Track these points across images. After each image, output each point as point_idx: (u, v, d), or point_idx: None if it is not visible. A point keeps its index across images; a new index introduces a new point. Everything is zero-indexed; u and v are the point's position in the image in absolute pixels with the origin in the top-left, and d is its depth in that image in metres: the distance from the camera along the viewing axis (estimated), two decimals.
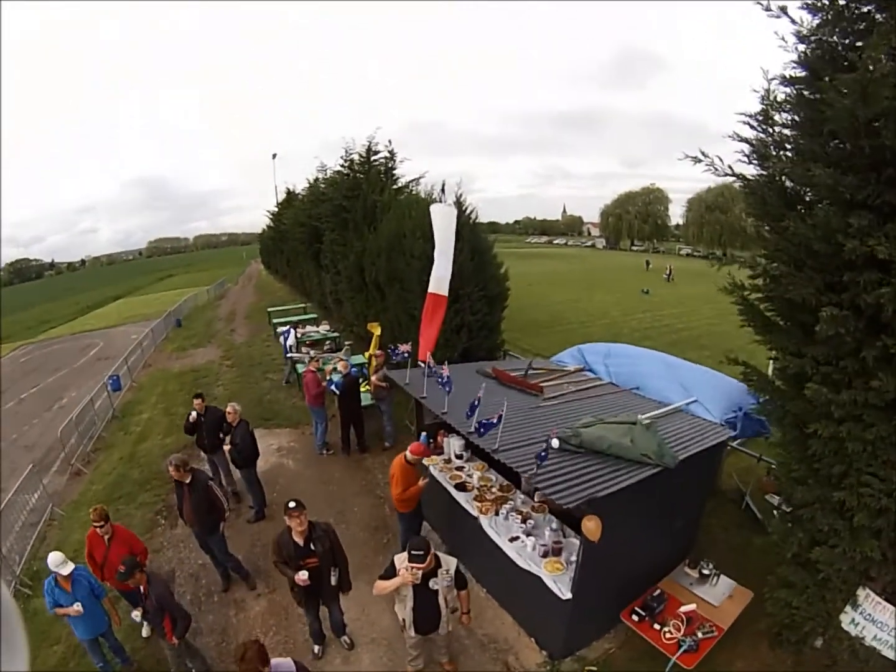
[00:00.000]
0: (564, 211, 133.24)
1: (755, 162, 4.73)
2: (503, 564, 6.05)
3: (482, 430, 5.55)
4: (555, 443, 5.34)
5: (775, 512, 6.75)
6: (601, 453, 5.38)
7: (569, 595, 5.29)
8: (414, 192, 14.98)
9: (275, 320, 20.76)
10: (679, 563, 6.34)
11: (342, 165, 16.82)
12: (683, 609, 5.40)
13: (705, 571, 6.08)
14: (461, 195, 11.30)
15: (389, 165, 16.24)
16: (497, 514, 6.39)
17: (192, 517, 6.66)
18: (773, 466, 7.46)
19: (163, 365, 19.87)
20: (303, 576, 5.13)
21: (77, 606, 5.39)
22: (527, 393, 7.31)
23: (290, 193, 30.48)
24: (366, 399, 11.06)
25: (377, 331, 11.78)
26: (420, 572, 4.64)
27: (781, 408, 4.96)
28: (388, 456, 10.35)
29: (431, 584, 4.79)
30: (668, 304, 29.48)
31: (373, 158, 16.20)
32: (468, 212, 11.51)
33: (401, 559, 4.88)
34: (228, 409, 8.33)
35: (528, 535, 6.03)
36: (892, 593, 4.73)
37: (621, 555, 5.48)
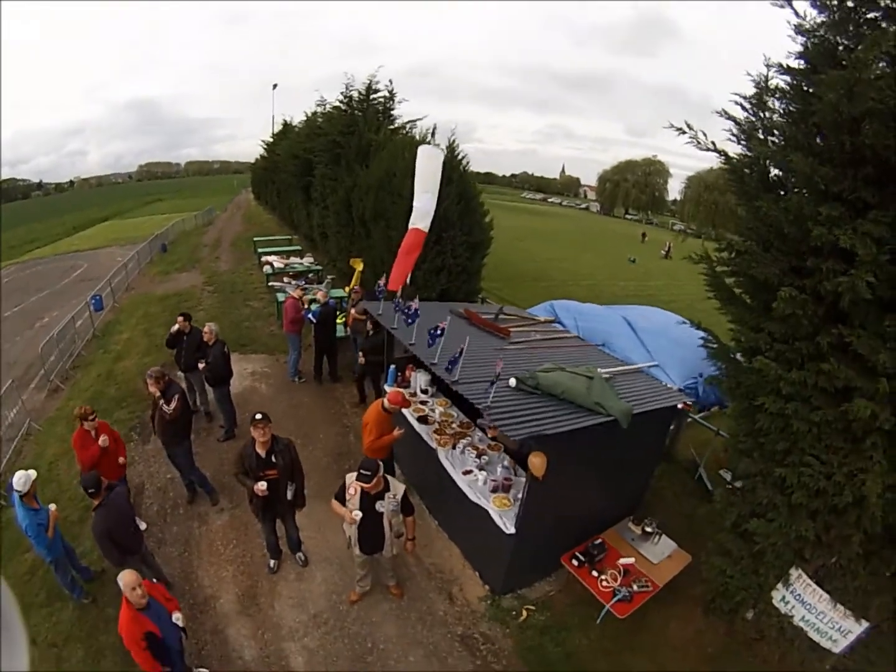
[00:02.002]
0: (563, 171, 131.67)
1: (743, 142, 4.85)
2: (455, 497, 6.37)
3: (450, 366, 5.70)
4: (511, 382, 5.56)
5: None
6: (556, 398, 5.55)
7: (513, 530, 5.58)
8: (409, 135, 14.87)
9: (260, 249, 20.79)
10: (624, 518, 6.64)
11: (340, 101, 16.63)
12: (622, 561, 5.77)
13: (648, 529, 6.37)
14: (454, 140, 11.51)
15: (388, 105, 16.11)
16: (454, 447, 6.71)
17: (161, 429, 6.88)
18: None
19: (146, 289, 19.76)
20: (262, 486, 5.39)
21: (52, 507, 5.66)
22: (494, 335, 7.50)
23: (286, 125, 29.90)
24: (340, 331, 11.24)
25: (359, 266, 11.96)
26: (359, 516, 4.97)
27: (734, 378, 5.17)
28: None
29: (378, 506, 5.06)
30: (654, 275, 29.63)
31: (372, 97, 16.04)
32: (460, 157, 11.66)
33: (351, 478, 5.16)
34: (205, 328, 8.48)
35: (481, 469, 6.32)
36: (823, 577, 4.94)
37: (566, 498, 5.72)
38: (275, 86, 50.49)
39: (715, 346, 5.60)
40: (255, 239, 23.70)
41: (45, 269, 29.24)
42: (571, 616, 5.98)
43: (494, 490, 6.04)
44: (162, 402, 6.54)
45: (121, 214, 64.43)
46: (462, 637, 5.76)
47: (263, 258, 18.60)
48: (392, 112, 16.15)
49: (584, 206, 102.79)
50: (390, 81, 15.93)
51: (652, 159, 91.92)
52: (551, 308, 9.44)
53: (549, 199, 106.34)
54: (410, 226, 8.34)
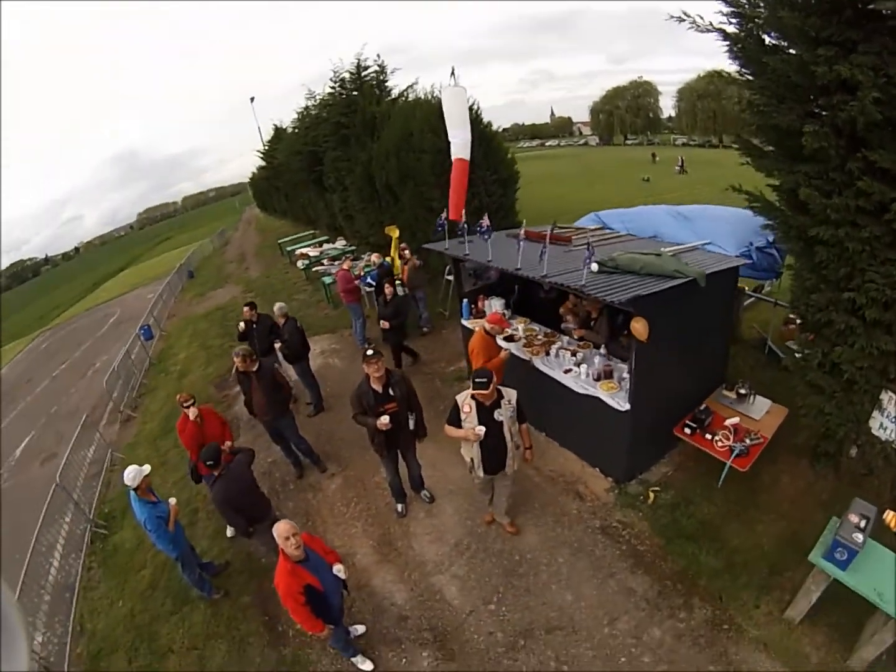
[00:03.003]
0: (552, 113, 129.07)
1: (733, 21, 4.98)
2: (561, 400, 6.54)
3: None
4: (594, 266, 5.67)
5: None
6: (636, 274, 5.68)
7: (627, 406, 5.75)
8: (410, 99, 14.82)
9: (288, 249, 21.03)
10: (716, 388, 6.78)
11: (332, 87, 16.75)
12: (729, 421, 5.93)
13: (742, 391, 6.48)
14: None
15: (381, 78, 16.12)
16: (547, 354, 6.85)
17: (262, 403, 6.98)
18: (791, 315, 8.17)
19: (186, 312, 20.06)
20: (385, 419, 5.46)
21: (172, 501, 5.71)
22: (556, 244, 7.51)
23: (278, 129, 29.99)
24: (399, 292, 11.08)
25: (395, 233, 11.99)
26: (483, 431, 4.92)
27: (785, 223, 5.30)
28: (429, 340, 11.03)
29: (496, 415, 5.03)
30: (668, 189, 28.93)
31: (363, 74, 16.04)
32: (471, 104, 11.52)
33: (462, 397, 5.17)
34: (274, 308, 8.71)
35: (579, 365, 6.45)
36: None
37: (667, 368, 5.86)
38: (252, 99, 50.42)
39: (759, 203, 5.69)
40: (280, 241, 23.93)
41: (79, 326, 29.73)
42: (692, 490, 6.13)
43: (598, 378, 6.19)
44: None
45: (135, 261, 65.02)
46: (602, 528, 5.92)
47: (297, 251, 18.84)
48: (386, 83, 16.16)
49: (581, 141, 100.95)
50: (378, 55, 15.99)
51: (639, 81, 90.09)
52: (596, 217, 9.44)
53: (546, 143, 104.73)
54: (453, 157, 8.46)
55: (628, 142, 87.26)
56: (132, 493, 5.35)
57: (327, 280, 14.17)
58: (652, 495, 6.17)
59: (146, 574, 6.67)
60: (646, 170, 38.21)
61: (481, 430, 4.93)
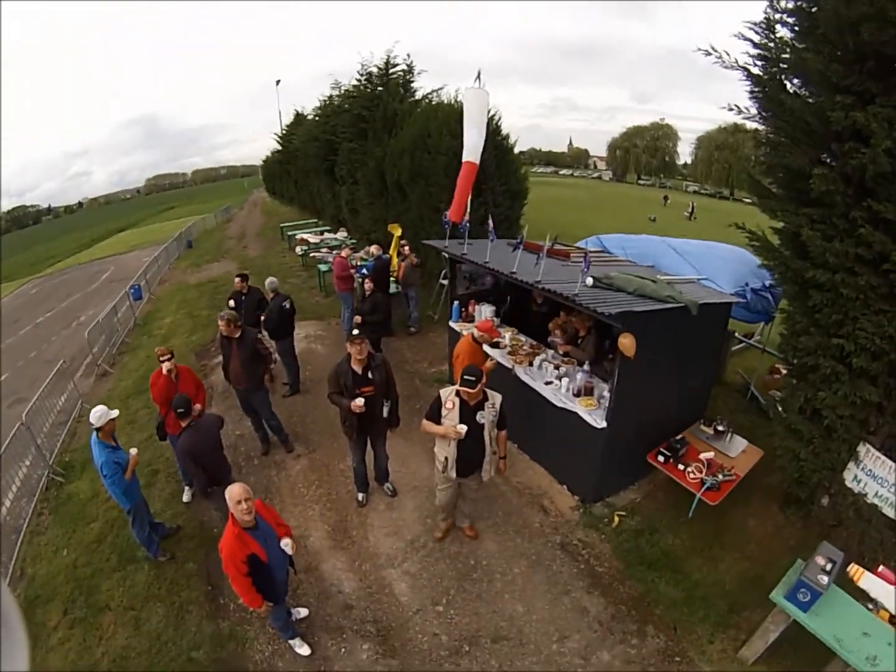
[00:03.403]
0: (570, 143, 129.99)
1: (759, 63, 5.12)
2: (537, 410, 6.47)
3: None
4: (588, 280, 5.67)
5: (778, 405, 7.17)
6: (629, 294, 5.72)
7: (603, 424, 5.71)
8: (434, 102, 14.84)
9: (289, 233, 21.01)
10: (694, 422, 6.70)
11: (358, 80, 16.68)
12: (703, 455, 5.86)
13: (720, 428, 6.42)
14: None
15: (408, 78, 16.06)
16: (531, 364, 6.82)
17: (240, 372, 6.89)
18: (776, 365, 8.30)
19: (179, 279, 19.96)
20: (359, 402, 5.36)
21: (133, 451, 5.55)
22: (554, 258, 7.51)
23: (298, 115, 29.88)
24: (392, 288, 11.28)
25: (398, 231, 11.91)
26: (464, 430, 4.81)
27: (783, 265, 5.35)
28: (414, 340, 10.99)
29: (479, 416, 4.90)
30: (675, 232, 29.01)
31: (391, 71, 16.02)
32: (491, 115, 11.62)
33: (446, 393, 5.04)
34: (266, 283, 8.64)
35: (561, 378, 6.42)
36: (891, 449, 5.04)
37: (648, 390, 5.84)
38: (278, 82, 50.36)
39: (758, 242, 5.77)
40: (282, 225, 23.90)
41: (71, 277, 29.67)
42: (659, 520, 6.06)
43: (577, 394, 6.16)
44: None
45: (137, 224, 64.71)
46: (562, 545, 5.82)
47: (297, 236, 18.72)
48: (412, 83, 16.12)
49: (595, 174, 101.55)
50: (408, 55, 15.96)
51: (660, 123, 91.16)
52: (598, 240, 9.50)
53: (560, 172, 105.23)
54: (463, 159, 8.49)
55: (641, 181, 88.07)
56: (94, 435, 5.24)
57: (323, 268, 14.17)
58: (617, 519, 6.08)
59: (96, 527, 6.54)
60: (656, 210, 38.52)
61: (463, 428, 4.83)
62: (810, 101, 4.71)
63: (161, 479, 7.29)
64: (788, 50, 4.85)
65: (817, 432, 5.27)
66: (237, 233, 30.92)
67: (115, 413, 5.38)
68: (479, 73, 8.50)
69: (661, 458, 5.99)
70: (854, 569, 4.15)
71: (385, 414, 5.82)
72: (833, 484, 5.44)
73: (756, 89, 5.20)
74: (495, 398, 5.03)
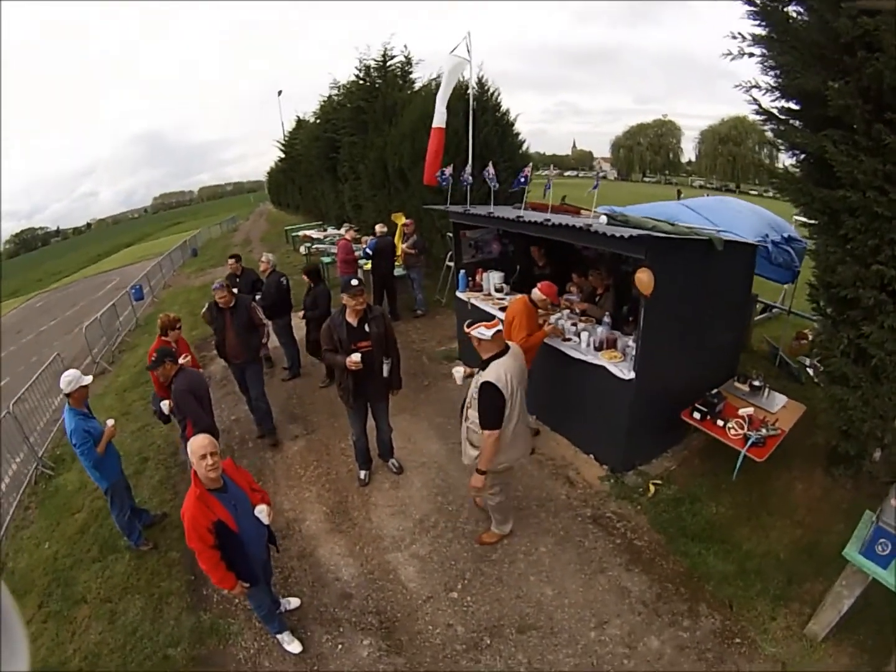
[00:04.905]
0: (574, 146, 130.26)
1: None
2: (556, 371, 5.93)
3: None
4: (602, 218, 5.17)
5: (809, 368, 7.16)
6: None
7: (631, 374, 5.11)
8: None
9: (293, 234, 21.08)
10: (726, 380, 6.11)
11: (356, 74, 16.53)
12: (743, 411, 5.24)
13: (756, 383, 5.86)
14: (482, 76, 11.84)
15: (406, 69, 15.87)
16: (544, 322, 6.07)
17: (235, 343, 6.47)
18: (804, 331, 8.20)
19: (183, 283, 19.95)
20: (355, 357, 4.78)
21: (110, 422, 5.12)
22: (564, 214, 7.05)
23: (300, 120, 29.87)
24: (397, 271, 10.93)
25: (401, 220, 11.60)
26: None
27: (808, 195, 4.80)
28: (421, 322, 10.60)
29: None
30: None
31: (388, 63, 15.87)
32: (490, 92, 12.07)
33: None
34: (262, 258, 8.33)
35: (579, 334, 5.85)
36: None
37: (677, 336, 5.33)
38: (280, 92, 50.36)
39: (777, 178, 5.20)
40: (287, 227, 23.87)
41: (77, 290, 30.16)
42: (698, 487, 5.40)
43: (599, 348, 5.59)
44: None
45: (144, 238, 65.57)
46: (593, 518, 5.14)
47: (301, 233, 18.48)
48: (411, 73, 15.89)
49: (602, 174, 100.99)
50: (405, 46, 15.79)
51: (663, 120, 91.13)
52: (610, 209, 8.92)
53: (565, 174, 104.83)
54: (434, 125, 8.89)
55: (646, 179, 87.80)
56: (67, 403, 4.88)
57: (326, 260, 13.90)
58: (653, 488, 5.41)
59: (80, 518, 6.13)
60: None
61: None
62: (811, 20, 4.31)
63: (150, 466, 6.90)
64: None
65: (864, 373, 4.67)
66: (242, 239, 31.08)
67: (87, 379, 4.93)
68: (467, 35, 8.16)
69: (696, 416, 5.37)
70: None
71: (385, 374, 5.17)
72: (886, 434, 4.77)
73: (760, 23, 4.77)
74: (485, 376, 4.06)
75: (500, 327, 4.08)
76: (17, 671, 0.80)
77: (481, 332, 4.01)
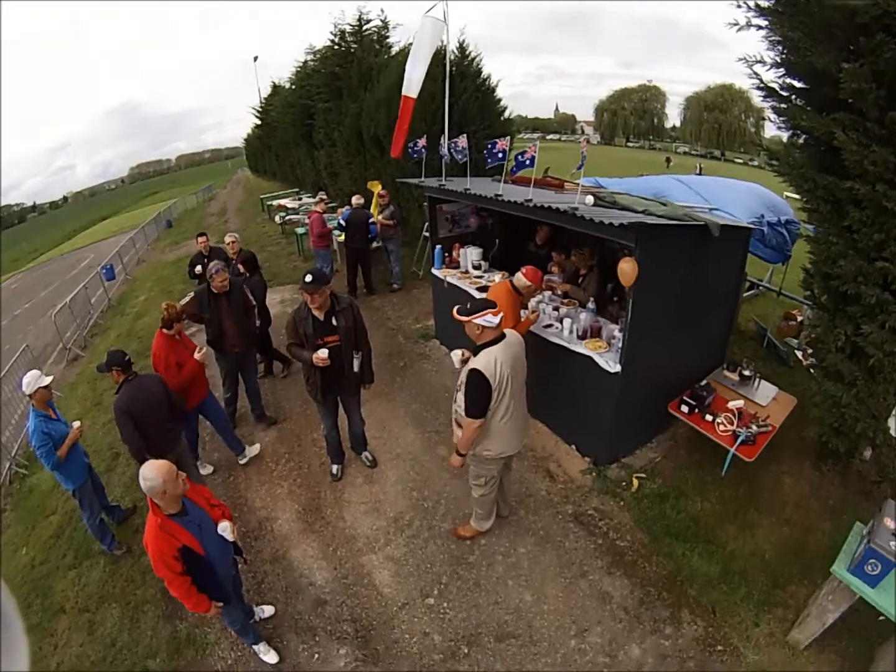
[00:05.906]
0: (557, 109, 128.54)
1: None
2: (537, 357, 5.39)
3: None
4: (588, 199, 4.91)
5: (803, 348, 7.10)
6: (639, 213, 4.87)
7: (617, 367, 4.85)
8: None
9: (268, 203, 20.59)
10: (714, 369, 5.91)
11: (331, 39, 15.89)
12: (732, 404, 5.02)
13: (746, 373, 5.63)
14: (464, 40, 11.45)
15: (383, 34, 15.35)
16: (525, 307, 5.64)
17: (236, 331, 5.93)
18: (792, 311, 8.13)
19: (157, 258, 19.51)
20: (322, 354, 4.52)
21: (76, 424, 4.90)
22: (546, 189, 6.83)
23: (275, 87, 29.06)
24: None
25: (377, 188, 11.26)
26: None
27: (811, 181, 4.57)
28: (397, 297, 10.35)
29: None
30: None
31: (365, 28, 15.27)
32: (472, 57, 11.58)
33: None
34: (228, 238, 7.58)
35: (562, 320, 5.54)
36: None
37: (665, 327, 5.09)
38: (255, 58, 49.07)
39: (777, 160, 4.99)
40: (262, 196, 23.48)
41: (51, 269, 29.87)
42: (684, 481, 5.23)
43: (583, 336, 5.31)
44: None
45: (120, 211, 64.61)
46: (574, 516, 4.97)
47: (276, 203, 18.27)
48: (387, 39, 15.41)
49: (583, 138, 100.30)
50: (382, 10, 15.21)
51: (647, 85, 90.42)
52: (595, 181, 8.58)
53: (547, 137, 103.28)
54: (403, 93, 8.35)
55: (629, 144, 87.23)
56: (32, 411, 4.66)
57: (300, 231, 13.69)
58: (636, 482, 5.23)
59: (55, 520, 5.92)
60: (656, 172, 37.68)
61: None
62: None
63: (122, 462, 6.56)
64: None
65: (860, 371, 4.51)
66: (218, 209, 30.50)
67: (46, 380, 4.70)
68: (446, 5, 7.75)
69: (684, 409, 5.15)
70: None
71: (356, 368, 4.88)
72: (878, 434, 4.66)
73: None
74: (476, 363, 3.86)
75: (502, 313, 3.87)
76: (16, 671, 0.82)
77: (489, 319, 3.76)
